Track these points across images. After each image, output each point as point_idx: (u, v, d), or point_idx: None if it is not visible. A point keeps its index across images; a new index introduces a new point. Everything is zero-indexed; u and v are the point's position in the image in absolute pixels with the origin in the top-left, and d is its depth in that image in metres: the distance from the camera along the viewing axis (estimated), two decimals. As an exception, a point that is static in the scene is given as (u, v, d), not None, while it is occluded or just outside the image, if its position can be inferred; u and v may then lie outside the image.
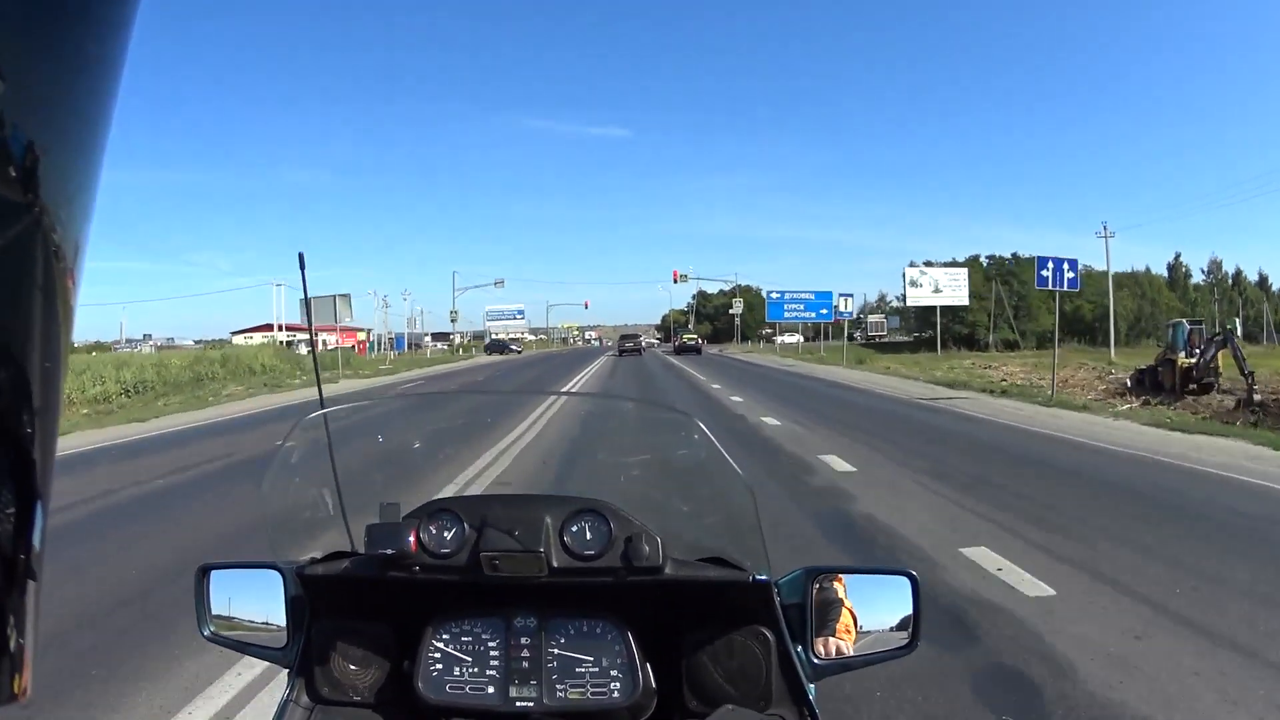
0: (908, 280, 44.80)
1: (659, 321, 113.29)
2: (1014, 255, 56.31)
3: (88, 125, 0.30)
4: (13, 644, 0.30)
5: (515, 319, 75.48)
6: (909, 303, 48.95)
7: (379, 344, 63.57)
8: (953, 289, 47.33)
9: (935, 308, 48.31)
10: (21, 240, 0.28)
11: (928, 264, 51.44)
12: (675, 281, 63.96)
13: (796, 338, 74.61)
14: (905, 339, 63.54)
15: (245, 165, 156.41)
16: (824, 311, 50.55)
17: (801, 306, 53.16)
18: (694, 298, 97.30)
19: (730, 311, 68.48)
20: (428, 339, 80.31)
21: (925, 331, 54.13)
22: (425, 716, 1.12)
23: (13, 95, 0.27)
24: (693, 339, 51.72)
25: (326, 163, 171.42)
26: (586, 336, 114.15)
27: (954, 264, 51.00)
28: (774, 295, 54.88)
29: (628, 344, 48.99)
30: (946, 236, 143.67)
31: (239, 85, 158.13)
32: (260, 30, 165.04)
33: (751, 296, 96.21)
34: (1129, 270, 55.95)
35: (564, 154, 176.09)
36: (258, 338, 71.95)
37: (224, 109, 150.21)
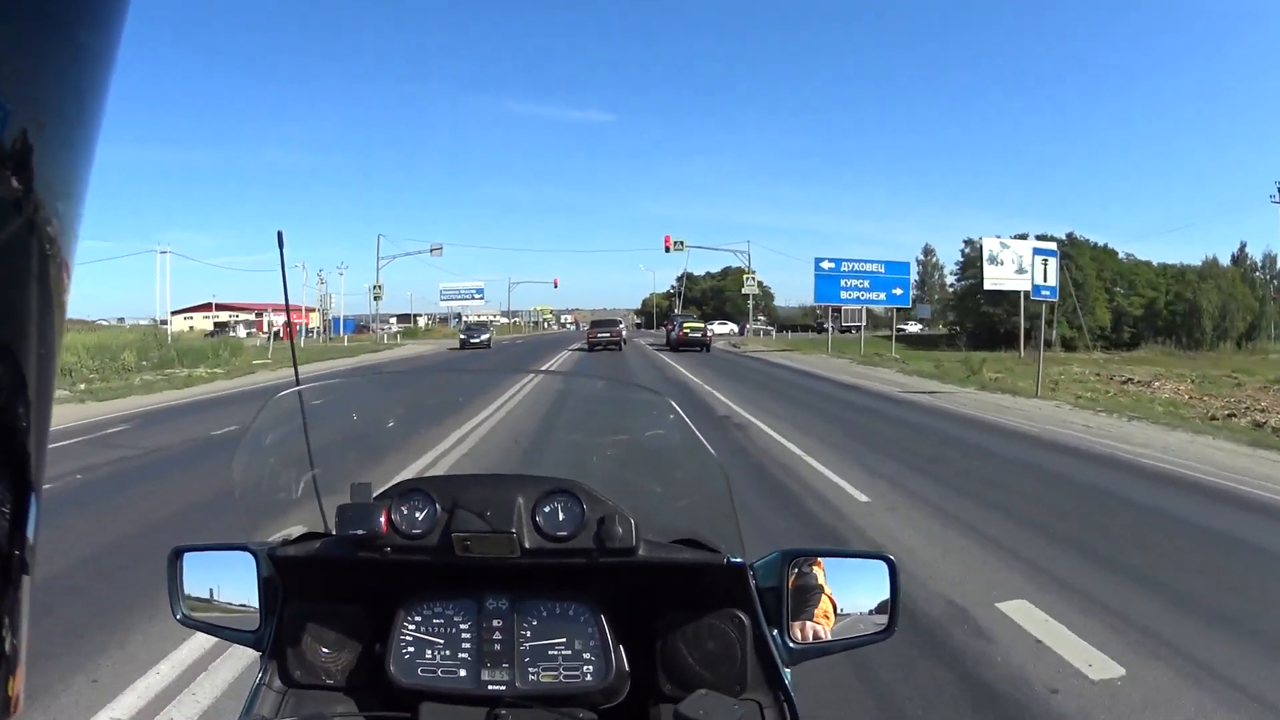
0: (985, 255, 32.46)
1: (639, 305, 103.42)
2: (1069, 235, 48.10)
3: (81, 114, 0.30)
4: (7, 645, 0.30)
5: (474, 299, 63.01)
6: (987, 285, 34.65)
7: (325, 327, 53.11)
8: (1040, 269, 35.51)
9: (1001, 294, 35.44)
10: (17, 232, 0.28)
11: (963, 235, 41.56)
12: (667, 250, 43.82)
13: (729, 327, 61.88)
14: (911, 331, 55.55)
15: (225, 144, 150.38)
16: (897, 292, 34.15)
17: (865, 284, 33.44)
18: (679, 280, 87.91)
19: (744, 291, 50.68)
20: (392, 321, 71.50)
21: (966, 322, 45.41)
22: (397, 699, 1.10)
23: (5, 84, 0.26)
24: (698, 329, 32.77)
25: (307, 143, 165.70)
26: (563, 320, 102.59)
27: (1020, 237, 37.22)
28: (825, 266, 33.62)
29: (601, 333, 32.39)
30: (944, 226, 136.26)
31: (219, 63, 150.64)
32: (242, 8, 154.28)
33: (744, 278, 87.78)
34: (1184, 262, 48.37)
35: (544, 138, 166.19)
36: (197, 317, 63.81)
37: (204, 87, 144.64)
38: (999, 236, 30.73)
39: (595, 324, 34.76)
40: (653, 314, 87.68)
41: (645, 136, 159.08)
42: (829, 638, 1.09)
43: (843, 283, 33.72)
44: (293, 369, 1.31)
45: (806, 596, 1.09)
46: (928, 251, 72.81)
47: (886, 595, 1.08)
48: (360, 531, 1.05)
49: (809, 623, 1.08)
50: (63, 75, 0.28)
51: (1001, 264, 29.67)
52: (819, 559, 1.10)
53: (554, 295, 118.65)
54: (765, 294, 77.23)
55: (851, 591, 1.09)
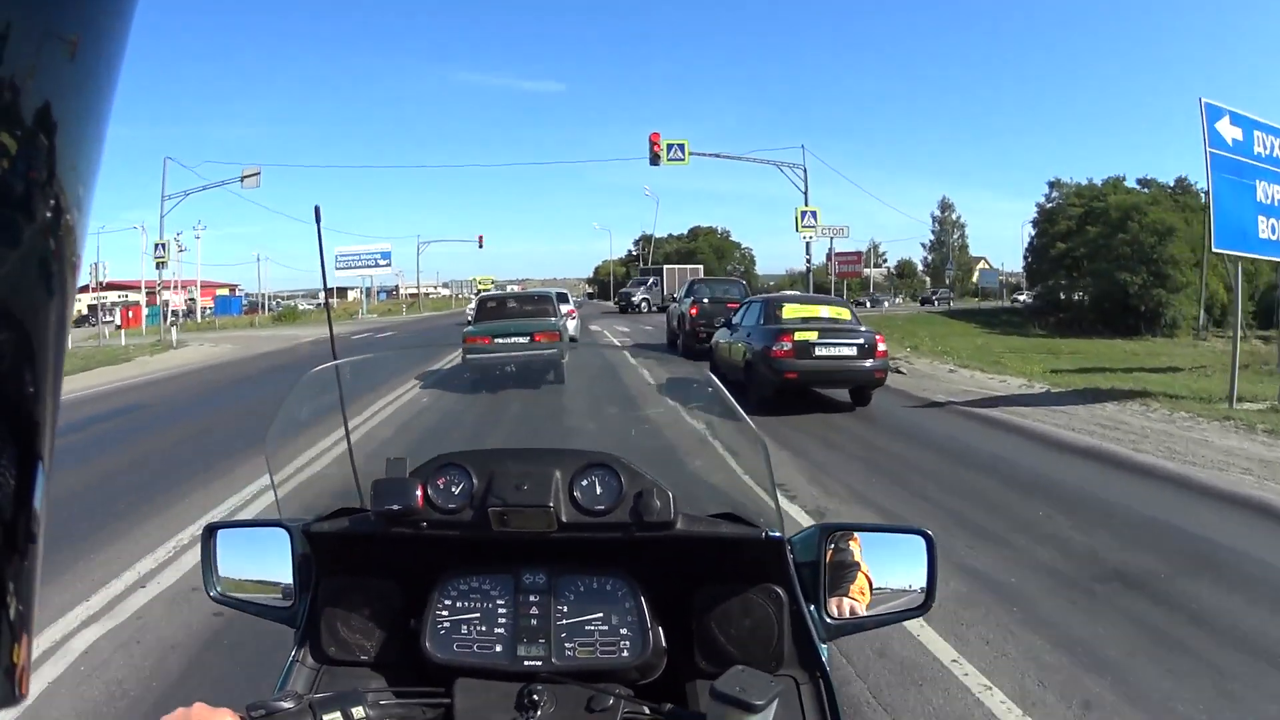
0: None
1: (591, 274, 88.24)
2: (1180, 181, 35.56)
3: (96, 93, 0.30)
4: (12, 613, 0.30)
5: (378, 265, 49.39)
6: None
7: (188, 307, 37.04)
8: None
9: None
10: (33, 205, 0.28)
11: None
12: (654, 160, 21.37)
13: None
14: (941, 303, 43.77)
15: (170, 118, 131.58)
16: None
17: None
18: (637, 244, 73.39)
19: (803, 237, 21.83)
20: (354, 296, 56.30)
21: (1049, 294, 32.89)
22: (432, 675, 1.08)
23: (24, 64, 0.26)
24: (848, 329, 8.77)
25: (258, 116, 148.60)
26: (510, 291, 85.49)
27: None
28: (1226, 131, 8.38)
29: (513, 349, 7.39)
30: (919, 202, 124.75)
31: (165, 36, 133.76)
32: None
33: (718, 240, 72.41)
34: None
35: (493, 107, 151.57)
36: (84, 298, 50.31)
37: (150, 61, 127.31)
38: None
39: (484, 300, 12.43)
40: (608, 284, 73.04)
41: (600, 109, 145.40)
42: (865, 613, 1.07)
43: (1262, 191, 8.86)
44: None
45: (843, 573, 1.07)
46: (945, 207, 60.16)
47: (921, 569, 1.06)
48: (395, 507, 1.05)
49: (845, 599, 1.07)
50: (80, 56, 0.28)
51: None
52: (855, 534, 1.08)
53: (480, 260, 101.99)
54: (746, 259, 63.73)
55: (887, 566, 1.08)
